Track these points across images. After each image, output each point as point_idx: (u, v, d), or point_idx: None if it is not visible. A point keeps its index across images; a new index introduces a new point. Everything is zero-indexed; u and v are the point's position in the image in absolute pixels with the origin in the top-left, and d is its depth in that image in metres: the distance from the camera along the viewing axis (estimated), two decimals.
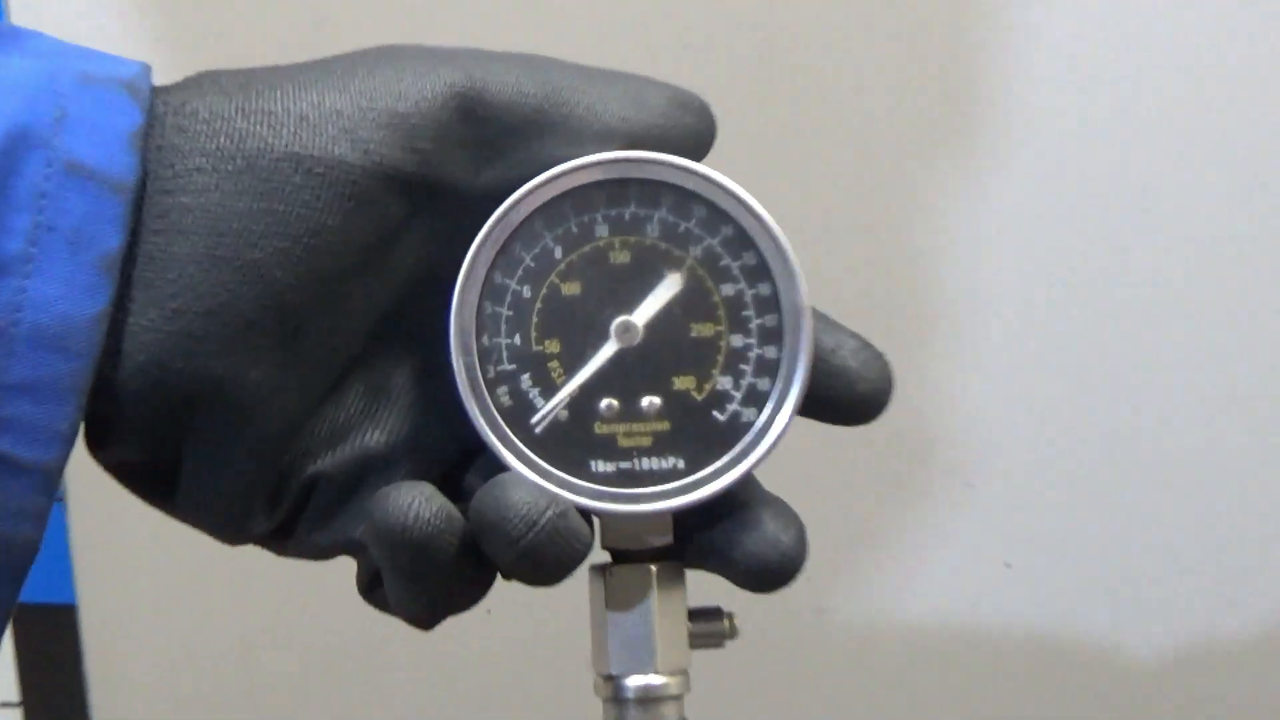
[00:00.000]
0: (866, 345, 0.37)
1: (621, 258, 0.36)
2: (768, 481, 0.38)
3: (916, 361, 0.71)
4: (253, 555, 0.39)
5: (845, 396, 0.37)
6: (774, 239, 0.36)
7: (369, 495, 0.36)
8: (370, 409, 0.37)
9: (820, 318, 0.37)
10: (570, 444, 0.36)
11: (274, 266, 0.34)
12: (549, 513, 0.34)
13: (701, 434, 0.36)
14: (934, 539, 0.73)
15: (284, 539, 0.38)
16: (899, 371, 0.38)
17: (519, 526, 0.34)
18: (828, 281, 0.64)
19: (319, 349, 0.36)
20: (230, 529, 0.37)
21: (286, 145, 0.34)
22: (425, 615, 0.37)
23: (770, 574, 0.36)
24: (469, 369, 0.36)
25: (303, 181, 0.34)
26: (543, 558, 0.34)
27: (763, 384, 0.37)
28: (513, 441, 0.36)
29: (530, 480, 0.35)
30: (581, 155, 0.36)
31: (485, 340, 0.36)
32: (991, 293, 0.71)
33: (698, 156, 0.37)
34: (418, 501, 0.34)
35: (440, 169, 0.35)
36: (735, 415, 0.37)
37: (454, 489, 0.37)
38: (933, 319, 0.71)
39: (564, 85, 0.36)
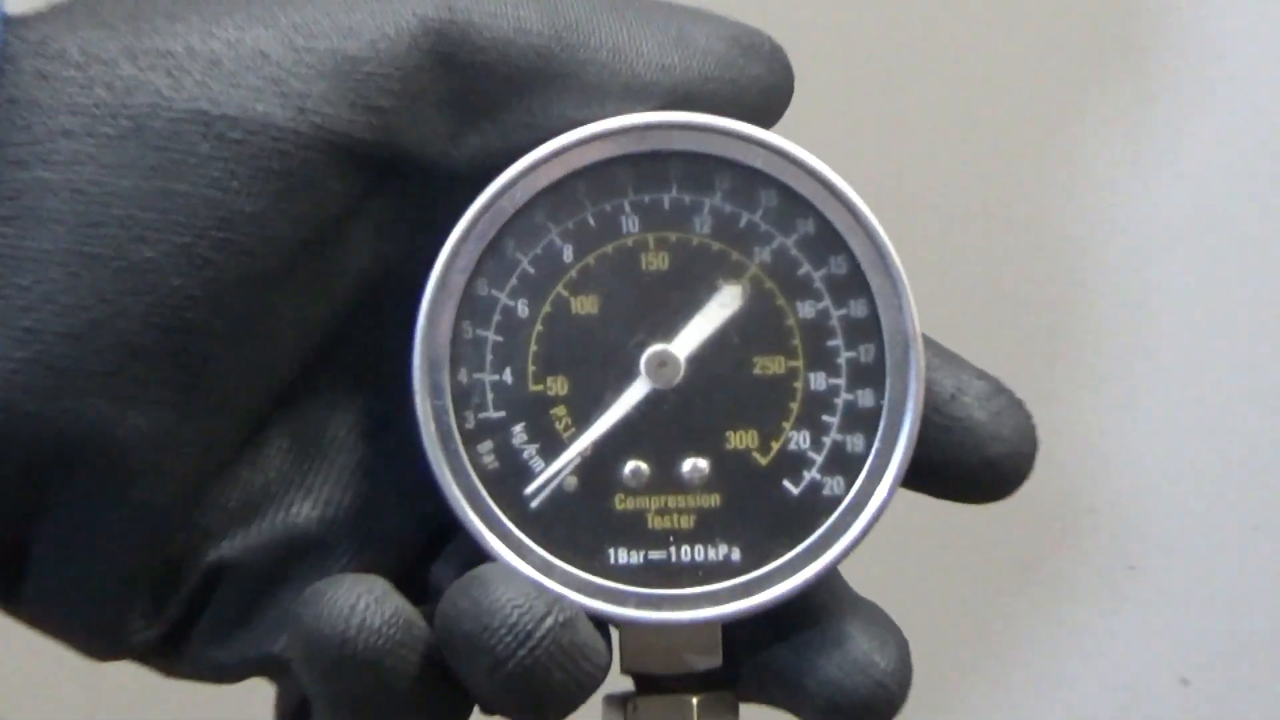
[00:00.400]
0: (999, 389, 0.37)
1: (657, 263, 0.36)
2: (854, 575, 0.38)
3: (1061, 401, 0.70)
4: (125, 674, 0.38)
5: (970, 463, 0.36)
6: (873, 239, 0.36)
7: (295, 593, 0.36)
8: (299, 471, 0.37)
9: (935, 350, 0.37)
10: (581, 525, 0.36)
11: (170, 270, 0.34)
12: (548, 621, 0.34)
13: (766, 513, 0.36)
14: (1082, 645, 0.72)
15: (174, 653, 0.37)
16: (1037, 415, 0.37)
17: (507, 641, 0.33)
18: (944, 298, 0.64)
19: (230, 387, 0.35)
20: (100, 637, 0.36)
21: (191, 100, 0.34)
22: None
23: (860, 711, 0.36)
24: (439, 417, 0.36)
25: (212, 151, 0.34)
26: (540, 685, 0.34)
27: (854, 443, 0.36)
28: (499, 520, 0.36)
29: (523, 575, 0.35)
30: (603, 117, 0.36)
31: (463, 376, 0.36)
32: (1165, 308, 0.70)
33: (768, 121, 0.37)
34: (363, 603, 0.34)
35: (405, 136, 0.35)
36: (814, 487, 0.36)
37: (416, 585, 0.37)
38: (1084, 344, 0.70)
39: (580, 19, 0.36)
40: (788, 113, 0.37)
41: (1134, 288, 0.70)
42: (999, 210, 0.70)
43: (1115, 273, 0.70)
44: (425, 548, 0.37)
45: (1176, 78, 0.69)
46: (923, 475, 0.36)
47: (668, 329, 0.36)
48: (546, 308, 0.36)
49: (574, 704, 0.34)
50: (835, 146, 0.37)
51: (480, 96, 0.35)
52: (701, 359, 0.36)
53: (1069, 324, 0.70)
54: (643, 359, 0.36)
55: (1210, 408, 0.70)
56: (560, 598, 0.34)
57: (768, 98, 0.37)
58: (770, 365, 0.36)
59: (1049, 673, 0.73)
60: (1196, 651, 0.72)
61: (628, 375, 0.36)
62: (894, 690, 0.36)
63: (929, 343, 0.37)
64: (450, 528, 0.36)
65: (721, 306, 0.36)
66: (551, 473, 0.36)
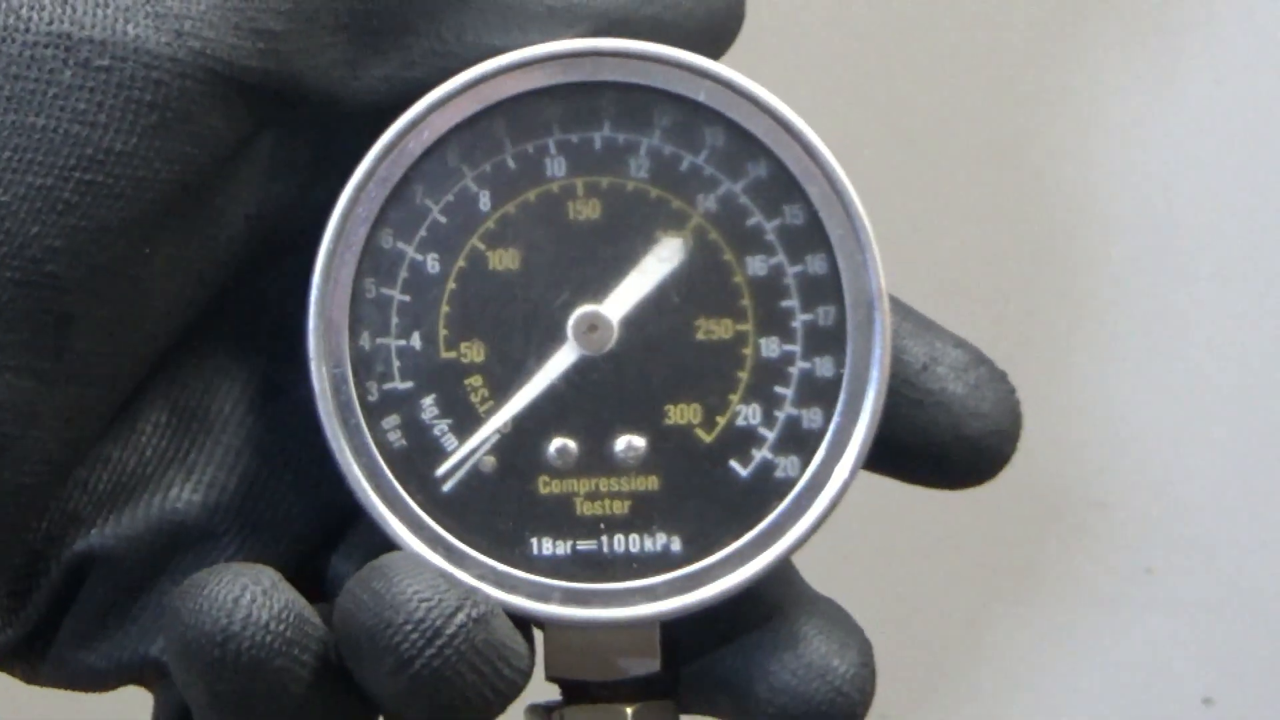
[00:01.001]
0: (979, 359, 0.38)
1: (587, 212, 0.36)
2: (812, 570, 0.38)
3: (1065, 376, 0.70)
4: None
5: (943, 442, 0.37)
6: (834, 184, 0.36)
7: (173, 587, 0.36)
8: (178, 449, 0.37)
9: (906, 314, 0.38)
10: (499, 511, 0.36)
11: (28, 217, 0.34)
12: (460, 617, 0.34)
13: (710, 497, 0.36)
14: (1091, 659, 0.72)
15: (36, 656, 0.37)
16: (1033, 393, 0.38)
17: (413, 639, 0.34)
18: (920, 255, 0.64)
19: (99, 351, 0.35)
20: None
21: (51, 21, 0.34)
22: None
23: None
24: (338, 387, 0.36)
25: (76, 79, 0.34)
26: (450, 690, 0.34)
27: (811, 418, 0.37)
28: (406, 505, 0.36)
29: (432, 566, 0.35)
30: (525, 44, 0.36)
31: (365, 341, 0.36)
32: (1191, 267, 0.70)
33: (715, 50, 0.37)
34: (249, 595, 0.34)
35: (298, 64, 0.35)
36: (765, 468, 0.37)
37: (313, 580, 0.37)
38: (1093, 310, 0.70)
39: None
40: (739, 42, 0.37)
41: (1155, 243, 0.69)
42: (987, 149, 0.69)
43: (1132, 225, 0.69)
44: (323, 537, 0.38)
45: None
46: (890, 456, 0.37)
47: (598, 288, 0.36)
48: (460, 263, 0.36)
49: (490, 713, 0.34)
50: (792, 81, 0.37)
51: (384, 19, 0.35)
52: (637, 322, 0.36)
53: (1075, 286, 0.70)
54: (570, 322, 0.36)
55: (1242, 385, 0.70)
56: (474, 591, 0.35)
57: (715, 23, 0.37)
58: (715, 329, 0.36)
59: (1051, 691, 0.72)
60: (1222, 667, 0.71)
61: (553, 340, 0.36)
62: (855, 698, 0.36)
63: (898, 305, 0.37)
64: (351, 514, 0.37)
65: (660, 262, 0.36)
66: (466, 451, 0.36)
